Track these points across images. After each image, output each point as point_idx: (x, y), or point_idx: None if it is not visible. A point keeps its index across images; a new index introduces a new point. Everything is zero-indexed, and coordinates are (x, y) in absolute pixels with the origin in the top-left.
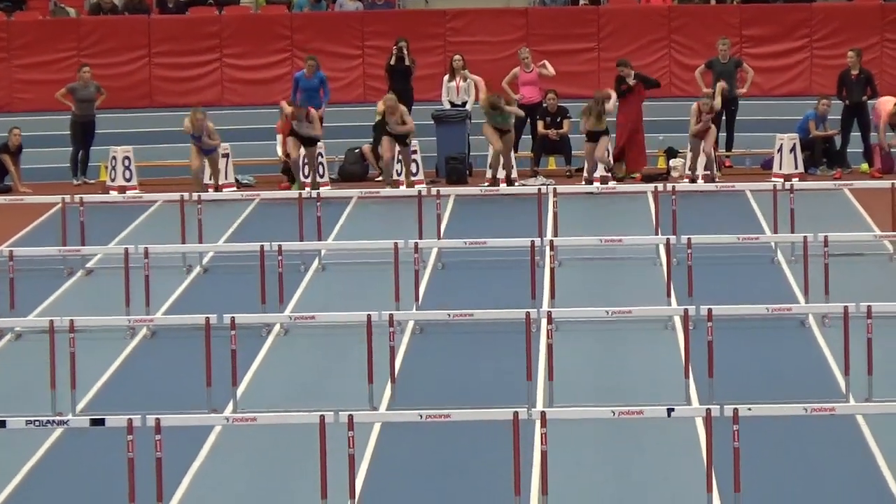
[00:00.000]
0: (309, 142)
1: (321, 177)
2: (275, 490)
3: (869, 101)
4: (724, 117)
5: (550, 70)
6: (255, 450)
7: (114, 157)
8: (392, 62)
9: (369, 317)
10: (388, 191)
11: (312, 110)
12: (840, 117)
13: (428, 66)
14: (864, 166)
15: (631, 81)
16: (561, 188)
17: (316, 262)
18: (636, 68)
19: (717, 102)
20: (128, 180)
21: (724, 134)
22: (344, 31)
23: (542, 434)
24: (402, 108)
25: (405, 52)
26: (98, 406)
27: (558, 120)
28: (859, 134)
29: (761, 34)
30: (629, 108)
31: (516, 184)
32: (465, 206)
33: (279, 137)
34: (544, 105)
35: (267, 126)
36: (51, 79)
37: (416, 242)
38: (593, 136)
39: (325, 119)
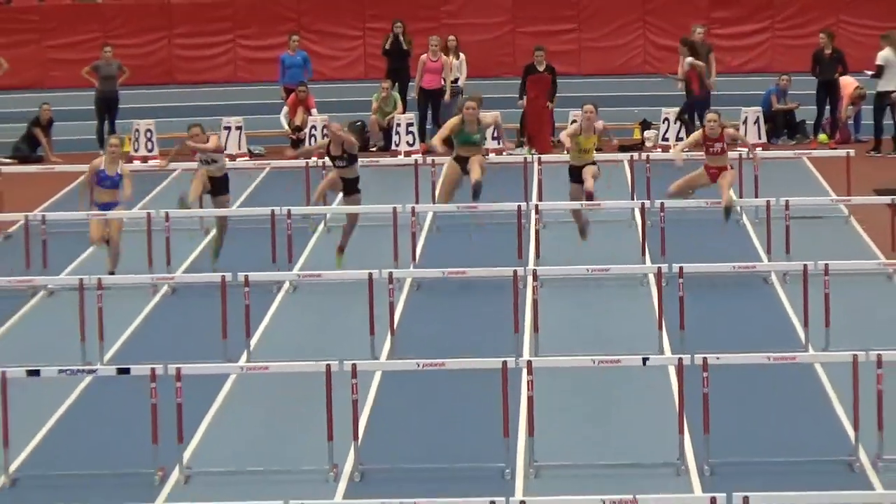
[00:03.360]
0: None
1: None
2: (285, 432)
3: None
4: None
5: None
6: (267, 396)
7: (137, 130)
8: (388, 46)
9: (370, 275)
10: (387, 160)
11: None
12: (814, 92)
13: (424, 46)
14: (823, 137)
15: (540, 68)
16: (545, 157)
17: (322, 225)
18: (615, 47)
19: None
20: (150, 151)
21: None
22: (346, 14)
23: (528, 381)
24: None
25: (401, 35)
26: (124, 357)
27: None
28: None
29: (728, 16)
30: (539, 90)
31: (505, 153)
32: None
33: (284, 109)
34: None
35: (276, 101)
36: (78, 58)
37: (413, 207)
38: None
39: (326, 94)
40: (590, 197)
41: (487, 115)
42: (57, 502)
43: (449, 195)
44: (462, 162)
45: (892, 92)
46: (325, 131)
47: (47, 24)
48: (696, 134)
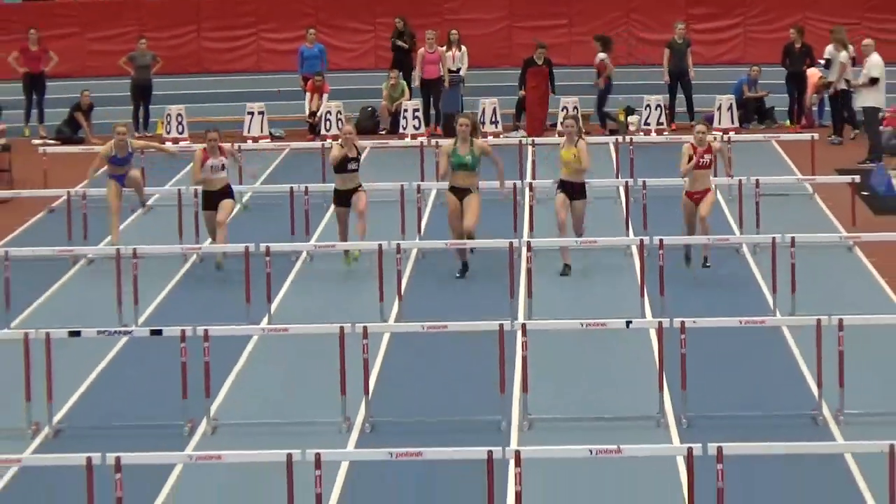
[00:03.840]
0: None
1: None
2: (302, 388)
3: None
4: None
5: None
6: (286, 355)
7: (169, 114)
8: (393, 39)
9: (380, 246)
10: (396, 142)
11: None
12: (783, 82)
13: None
14: (788, 122)
15: (539, 62)
16: (538, 140)
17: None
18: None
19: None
20: (180, 133)
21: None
22: (358, 10)
23: (522, 342)
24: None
25: (403, 30)
26: (156, 319)
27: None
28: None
29: (705, 13)
30: (538, 80)
31: (501, 136)
32: None
33: (307, 96)
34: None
35: (295, 89)
36: (115, 49)
37: (419, 185)
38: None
39: (340, 83)
40: (578, 233)
41: (482, 142)
42: (95, 451)
43: (458, 225)
44: (459, 194)
45: (834, 83)
46: (340, 140)
47: (88, 19)
48: (685, 148)
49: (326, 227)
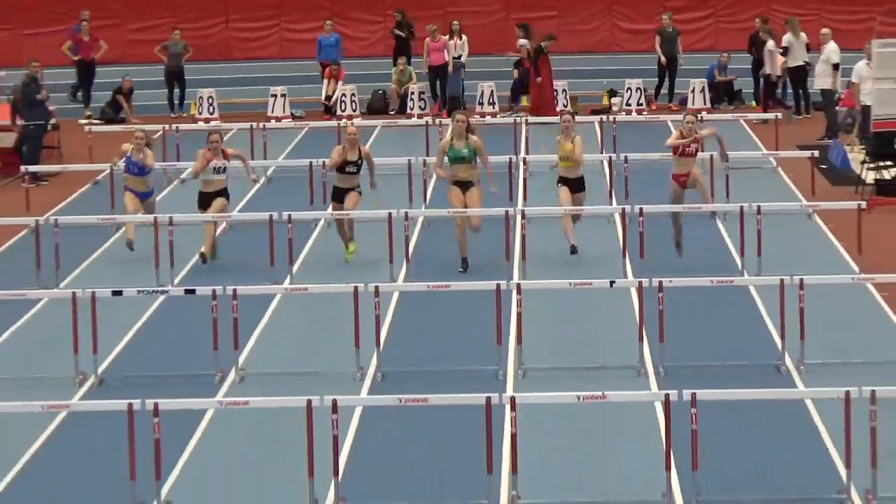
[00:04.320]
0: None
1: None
2: (321, 340)
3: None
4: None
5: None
6: (306, 311)
7: (201, 97)
8: (393, 29)
9: (390, 214)
10: (404, 121)
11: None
12: (750, 67)
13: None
14: (753, 103)
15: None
16: (532, 120)
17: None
18: (588, 30)
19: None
20: (211, 114)
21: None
22: (370, 3)
23: (517, 300)
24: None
25: (401, 21)
26: (190, 280)
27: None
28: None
29: (680, 5)
30: (549, 68)
31: (498, 116)
32: None
33: (325, 83)
34: (517, 61)
35: (314, 74)
36: (152, 38)
37: (424, 159)
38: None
39: (354, 69)
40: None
41: (476, 139)
42: (135, 398)
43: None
44: (462, 186)
45: (800, 67)
46: (344, 143)
47: (127, 12)
48: (675, 134)
49: None
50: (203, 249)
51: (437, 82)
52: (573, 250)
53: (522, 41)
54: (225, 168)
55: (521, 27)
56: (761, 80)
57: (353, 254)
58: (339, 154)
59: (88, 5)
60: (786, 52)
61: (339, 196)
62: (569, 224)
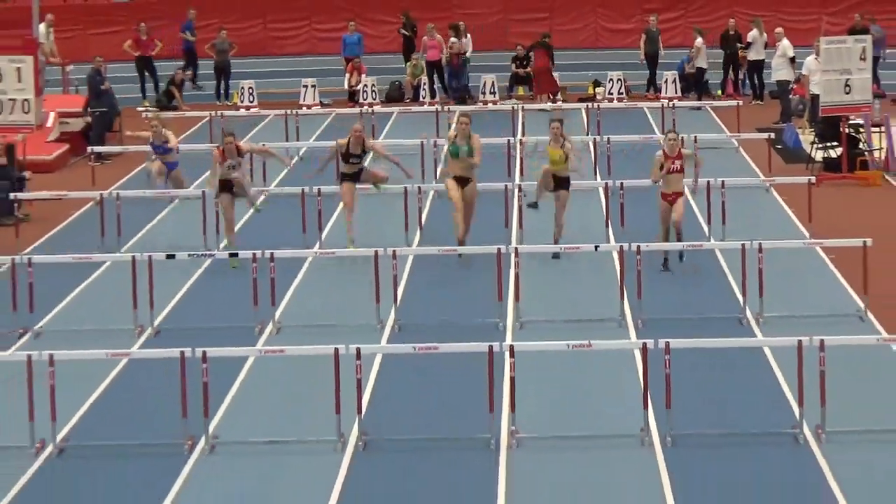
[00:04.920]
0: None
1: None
2: (346, 298)
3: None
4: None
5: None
6: (334, 272)
7: (242, 88)
8: (400, 29)
9: (406, 189)
10: (416, 108)
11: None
12: (721, 62)
13: (440, 28)
14: (719, 92)
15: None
16: (527, 106)
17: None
18: (576, 29)
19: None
20: (251, 102)
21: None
22: (388, 7)
23: (515, 262)
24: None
25: (406, 22)
26: (236, 244)
27: (525, 63)
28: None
29: (655, 7)
30: (543, 57)
31: (498, 103)
32: None
33: (348, 75)
34: (515, 53)
35: (338, 67)
36: (201, 37)
37: (435, 140)
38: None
39: (374, 63)
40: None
41: (477, 138)
42: (187, 346)
43: (460, 202)
44: (460, 182)
45: (760, 61)
46: (350, 137)
47: (179, 13)
48: (658, 156)
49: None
50: (227, 243)
51: (434, 74)
52: (532, 205)
53: (453, 40)
54: (240, 164)
55: (452, 27)
56: (730, 70)
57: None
58: (336, 146)
59: (144, 9)
60: (747, 47)
61: (348, 179)
62: (541, 191)
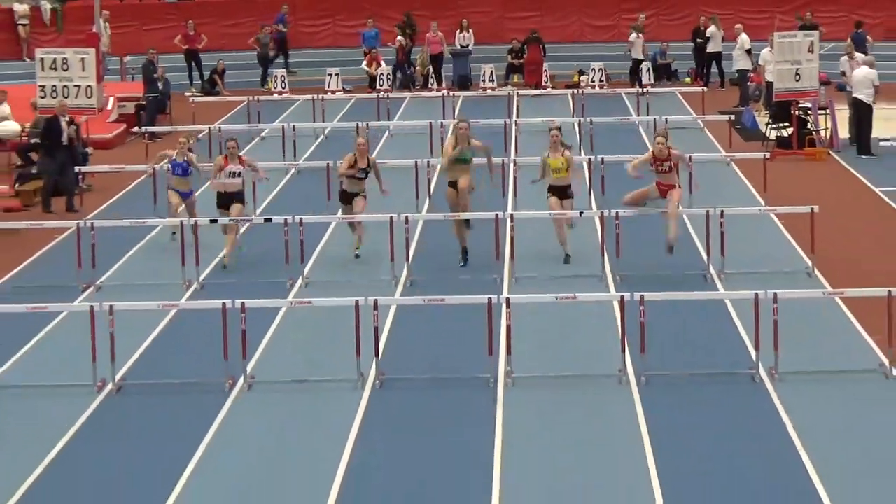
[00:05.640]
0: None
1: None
2: (365, 256)
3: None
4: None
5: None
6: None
7: (275, 76)
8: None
9: (416, 163)
10: (426, 94)
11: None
12: (692, 53)
13: (446, 24)
14: (687, 80)
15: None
16: (521, 92)
17: (387, 133)
18: (563, 25)
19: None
20: (283, 89)
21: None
22: (401, 6)
23: (510, 226)
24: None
25: (407, 21)
26: (268, 211)
27: (519, 55)
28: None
29: (632, 7)
30: (535, 51)
31: (497, 89)
32: (467, 102)
33: (364, 62)
34: (511, 46)
35: (359, 58)
36: (241, 32)
37: (441, 122)
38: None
39: (389, 55)
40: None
41: (478, 142)
42: (228, 298)
43: (456, 209)
44: (455, 186)
45: (718, 52)
46: (354, 151)
47: (221, 11)
48: (647, 154)
49: (383, 147)
50: (224, 255)
51: (435, 65)
52: (567, 259)
53: (400, 38)
54: (240, 172)
55: (399, 27)
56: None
57: (358, 248)
58: (349, 162)
59: (192, 8)
60: (707, 40)
61: (346, 199)
62: (562, 233)
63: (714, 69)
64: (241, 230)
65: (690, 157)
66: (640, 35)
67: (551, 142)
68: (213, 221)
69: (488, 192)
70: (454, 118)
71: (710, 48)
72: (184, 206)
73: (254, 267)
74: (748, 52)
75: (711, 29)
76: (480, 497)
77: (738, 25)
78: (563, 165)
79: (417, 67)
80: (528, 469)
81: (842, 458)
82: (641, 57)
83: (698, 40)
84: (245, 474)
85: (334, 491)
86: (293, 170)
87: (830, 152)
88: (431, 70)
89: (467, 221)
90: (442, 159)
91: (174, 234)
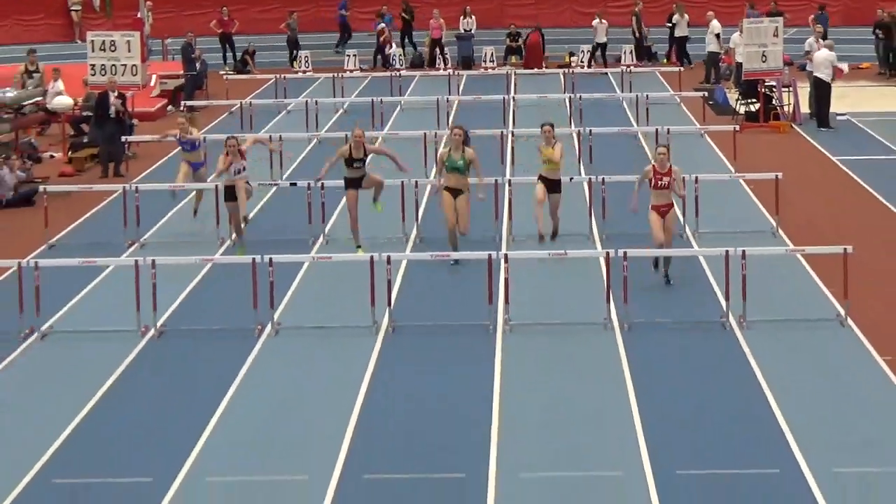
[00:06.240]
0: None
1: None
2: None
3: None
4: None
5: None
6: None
7: (300, 56)
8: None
9: (425, 134)
10: (434, 72)
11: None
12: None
13: (452, 11)
14: (665, 60)
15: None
16: (518, 71)
17: (399, 107)
18: (556, 12)
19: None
20: (307, 67)
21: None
22: None
23: (508, 190)
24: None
25: (406, 7)
26: (292, 177)
27: (516, 38)
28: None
29: None
30: (535, 37)
31: (496, 69)
32: (470, 80)
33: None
34: (509, 31)
35: (372, 41)
36: (270, 17)
37: (448, 98)
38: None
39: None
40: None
41: (471, 151)
42: (258, 254)
43: (452, 216)
44: (452, 193)
45: (684, 37)
46: (350, 141)
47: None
48: (647, 168)
49: (396, 118)
50: (238, 250)
51: (436, 49)
52: (541, 237)
53: (381, 24)
54: (244, 168)
55: (379, 15)
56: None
57: (380, 208)
58: (340, 153)
59: None
60: (674, 27)
61: (352, 185)
62: (540, 214)
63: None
64: (268, 195)
65: (685, 180)
66: (603, 21)
67: (543, 137)
68: (294, 184)
69: (475, 203)
70: (458, 94)
71: (677, 33)
72: (191, 176)
73: (281, 226)
74: (717, 36)
75: (676, 17)
76: (482, 425)
77: (710, 12)
78: (553, 157)
79: (426, 49)
80: (524, 402)
81: (801, 394)
82: (604, 40)
83: (668, 24)
84: (272, 409)
85: (352, 422)
86: (315, 139)
87: (793, 125)
88: (438, 52)
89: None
90: (437, 165)
91: (195, 212)
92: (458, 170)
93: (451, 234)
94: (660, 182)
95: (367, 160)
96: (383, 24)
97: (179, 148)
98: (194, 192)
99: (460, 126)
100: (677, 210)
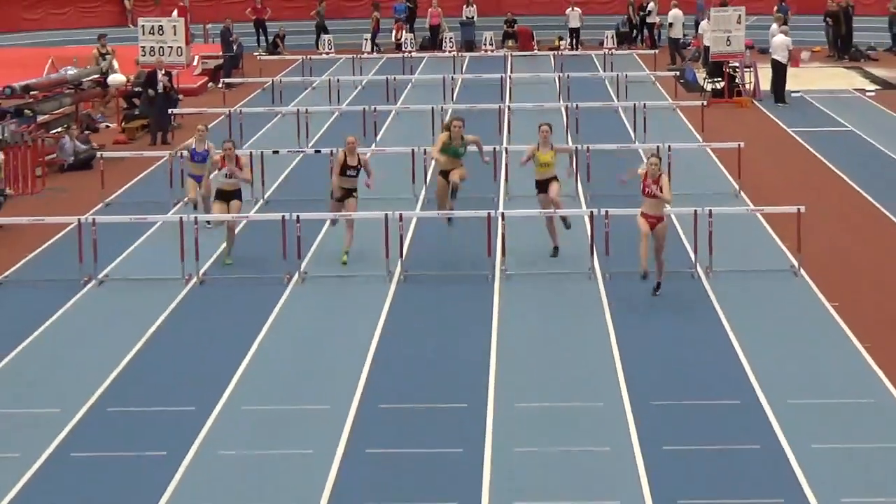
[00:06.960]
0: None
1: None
2: (392, 178)
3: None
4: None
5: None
6: (384, 161)
7: (324, 41)
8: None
9: (433, 108)
10: (440, 54)
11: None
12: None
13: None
14: (641, 44)
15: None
16: (515, 53)
17: (410, 84)
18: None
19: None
20: (329, 51)
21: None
22: None
23: (506, 157)
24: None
25: None
26: (317, 145)
27: (512, 25)
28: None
29: None
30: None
31: (495, 51)
32: (472, 61)
33: (394, 32)
34: (506, 18)
35: (390, 27)
36: (298, 5)
37: (452, 76)
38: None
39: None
40: (557, 206)
41: (470, 136)
42: (286, 212)
43: (444, 202)
44: (446, 176)
45: (653, 24)
46: (345, 148)
47: None
48: (641, 171)
49: (407, 94)
50: (225, 261)
51: (435, 36)
52: (554, 253)
53: (376, 14)
54: (234, 174)
55: (374, 6)
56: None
57: (346, 256)
58: (338, 161)
59: None
60: (648, 15)
61: (339, 197)
62: (552, 227)
63: (664, 36)
64: (295, 161)
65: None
66: (575, 8)
67: (540, 137)
68: (318, 152)
69: (481, 167)
70: (462, 73)
71: (649, 20)
72: (200, 188)
73: (307, 189)
74: (670, 25)
75: (651, 5)
76: (482, 358)
77: (674, 1)
78: (551, 160)
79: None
80: (519, 341)
81: (759, 335)
82: (578, 25)
83: (640, 13)
84: (299, 347)
85: (369, 358)
86: (337, 113)
87: (754, 101)
88: (446, 36)
89: (449, 219)
90: (433, 151)
91: (209, 223)
92: (457, 155)
93: (441, 205)
94: (648, 189)
95: (360, 170)
96: (376, 14)
97: (188, 159)
98: (193, 189)
99: (460, 118)
100: (676, 225)
